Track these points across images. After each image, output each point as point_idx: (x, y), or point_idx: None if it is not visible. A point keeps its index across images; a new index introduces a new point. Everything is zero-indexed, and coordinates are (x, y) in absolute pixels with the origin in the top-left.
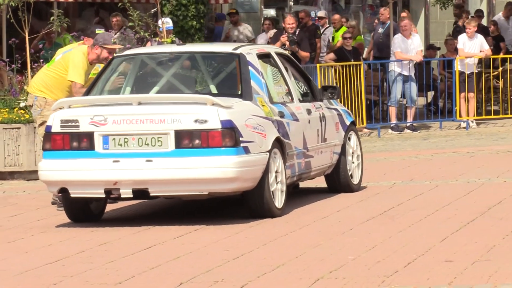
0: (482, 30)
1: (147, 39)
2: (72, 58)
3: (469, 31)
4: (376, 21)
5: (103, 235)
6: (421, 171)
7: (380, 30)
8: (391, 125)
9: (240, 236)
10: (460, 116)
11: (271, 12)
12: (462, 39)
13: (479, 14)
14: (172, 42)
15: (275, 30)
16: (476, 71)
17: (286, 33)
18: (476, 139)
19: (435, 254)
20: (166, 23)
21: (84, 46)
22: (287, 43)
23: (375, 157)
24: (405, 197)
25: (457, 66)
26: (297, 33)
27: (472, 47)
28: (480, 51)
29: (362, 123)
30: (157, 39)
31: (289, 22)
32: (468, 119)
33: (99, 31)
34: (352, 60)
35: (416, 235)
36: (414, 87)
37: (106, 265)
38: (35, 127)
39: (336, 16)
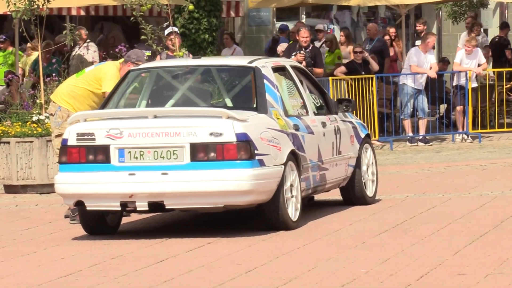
0: (503, 42)
1: (159, 53)
2: (106, 70)
3: (468, 49)
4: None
5: (116, 248)
6: (433, 184)
7: (368, 47)
8: (407, 138)
9: (252, 249)
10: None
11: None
12: (459, 55)
13: (504, 26)
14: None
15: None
16: (477, 84)
17: (302, 51)
18: (488, 152)
19: (448, 267)
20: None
21: (117, 62)
22: (304, 62)
23: (387, 170)
24: (418, 210)
25: (454, 82)
26: (310, 48)
27: (470, 63)
28: (478, 65)
29: (375, 136)
30: (166, 51)
31: (304, 35)
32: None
33: (147, 53)
34: (363, 73)
35: (429, 248)
36: (425, 99)
37: (119, 279)
38: (48, 141)
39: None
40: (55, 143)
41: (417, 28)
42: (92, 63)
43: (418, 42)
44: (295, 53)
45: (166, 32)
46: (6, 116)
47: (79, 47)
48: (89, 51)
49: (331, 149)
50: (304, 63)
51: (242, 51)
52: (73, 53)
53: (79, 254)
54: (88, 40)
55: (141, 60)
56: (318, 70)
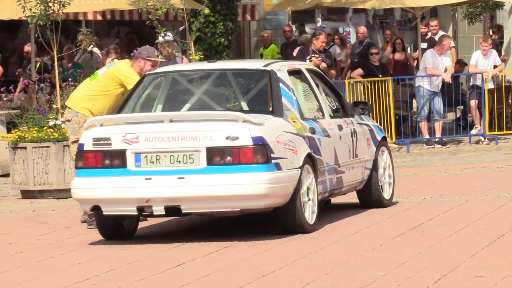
0: None
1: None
2: (120, 69)
3: (485, 49)
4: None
5: (133, 253)
6: (450, 186)
7: (357, 50)
8: (424, 140)
9: (269, 253)
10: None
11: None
12: (475, 56)
13: None
14: (200, 59)
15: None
16: (493, 86)
17: (317, 55)
18: (505, 154)
19: (466, 270)
20: (166, 35)
21: (127, 60)
22: (322, 64)
23: (404, 173)
24: (435, 212)
25: (470, 82)
26: (324, 52)
27: (486, 64)
28: (494, 67)
29: (391, 139)
30: (177, 54)
31: (323, 40)
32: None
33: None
34: (380, 76)
35: (446, 250)
36: (440, 101)
37: (136, 283)
38: (64, 146)
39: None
40: (72, 150)
41: (422, 30)
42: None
43: (423, 45)
44: (309, 57)
45: (161, 40)
46: (23, 121)
47: (83, 53)
48: (93, 56)
49: (347, 152)
50: (322, 65)
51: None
52: (75, 59)
53: (96, 259)
54: (91, 46)
55: (151, 56)
56: (333, 72)
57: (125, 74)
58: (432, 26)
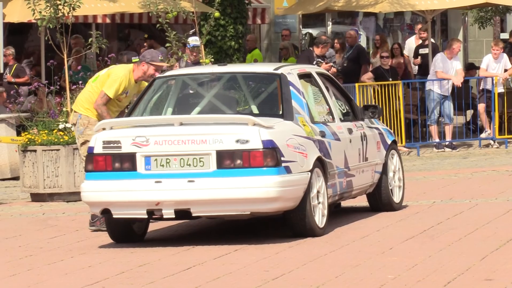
0: None
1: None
2: (113, 71)
3: (496, 52)
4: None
5: (143, 256)
6: (460, 190)
7: (347, 55)
8: (434, 143)
9: (279, 256)
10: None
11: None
12: (486, 60)
13: None
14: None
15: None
16: (503, 90)
17: (328, 60)
18: None
19: (475, 273)
20: (192, 40)
21: (130, 64)
22: (332, 69)
23: (414, 176)
24: (445, 216)
25: (481, 86)
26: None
27: (496, 68)
28: (505, 70)
29: (401, 142)
30: (185, 59)
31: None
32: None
33: (135, 59)
34: (390, 79)
35: (456, 254)
36: (451, 105)
37: (146, 286)
38: (74, 149)
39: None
40: (82, 151)
41: (421, 36)
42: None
43: (424, 50)
44: (315, 62)
45: (191, 44)
46: (33, 124)
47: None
48: (87, 59)
49: (357, 155)
50: (332, 69)
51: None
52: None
53: (106, 262)
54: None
55: (155, 60)
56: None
57: (111, 78)
58: (421, 34)
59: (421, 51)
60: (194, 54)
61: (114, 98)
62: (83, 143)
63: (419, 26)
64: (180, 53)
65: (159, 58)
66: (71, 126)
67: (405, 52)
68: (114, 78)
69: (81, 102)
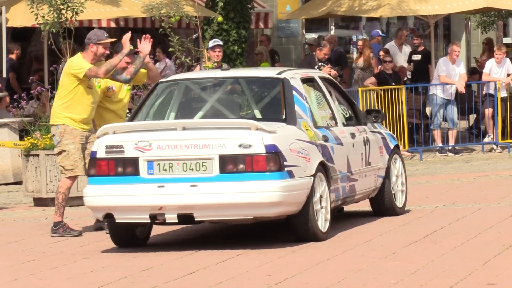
0: None
1: (195, 64)
2: (69, 64)
3: (499, 57)
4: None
5: (146, 260)
6: (463, 194)
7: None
8: (437, 148)
9: (282, 261)
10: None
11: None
12: (489, 64)
13: None
14: (221, 66)
15: None
16: (506, 94)
17: (327, 64)
18: None
19: (478, 278)
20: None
21: (78, 54)
22: (333, 72)
23: (417, 181)
24: (448, 220)
25: (484, 90)
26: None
27: (499, 73)
28: (508, 75)
29: (404, 147)
30: (210, 66)
31: (326, 52)
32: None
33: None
34: (393, 84)
35: (459, 258)
36: (454, 110)
37: None
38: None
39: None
40: (58, 161)
41: (414, 42)
42: None
43: (416, 57)
44: (317, 66)
45: (211, 44)
46: (35, 128)
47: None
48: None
49: (360, 160)
50: (333, 73)
51: (173, 66)
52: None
53: (109, 267)
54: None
55: (102, 38)
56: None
57: (73, 66)
58: (415, 41)
59: (414, 57)
60: (218, 50)
61: (82, 80)
62: (59, 153)
63: (403, 32)
64: (183, 58)
65: (105, 35)
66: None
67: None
68: (77, 62)
69: (55, 113)
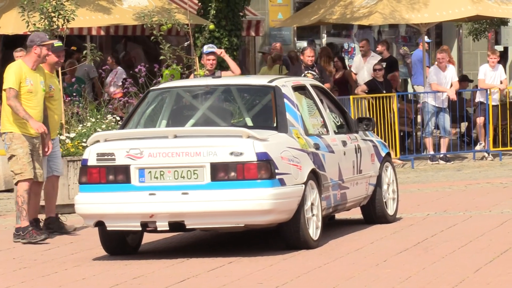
0: None
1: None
2: (5, 71)
3: (493, 61)
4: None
5: (137, 268)
6: (454, 202)
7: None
8: (429, 156)
9: (273, 269)
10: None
11: (304, 44)
12: (483, 69)
13: None
14: (214, 73)
15: None
16: (499, 103)
17: (310, 72)
18: (509, 170)
19: (469, 285)
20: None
21: (18, 60)
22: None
23: (408, 189)
24: (439, 228)
25: (476, 98)
26: (315, 66)
27: (493, 77)
28: (500, 82)
29: (396, 155)
30: (202, 73)
31: (310, 54)
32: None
33: (57, 44)
34: (384, 92)
35: (450, 266)
36: (447, 118)
37: None
38: (69, 161)
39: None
40: (10, 166)
41: (378, 49)
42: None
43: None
44: (303, 74)
45: (206, 50)
46: None
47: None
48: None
49: (351, 168)
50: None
51: (123, 72)
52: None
53: (100, 274)
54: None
55: (44, 40)
56: (326, 85)
57: (4, 76)
58: (360, 47)
59: (376, 66)
60: (213, 58)
61: (21, 87)
62: (9, 158)
63: (362, 43)
64: (175, 65)
65: (47, 37)
66: (68, 136)
67: (353, 69)
68: (6, 73)
69: (4, 120)
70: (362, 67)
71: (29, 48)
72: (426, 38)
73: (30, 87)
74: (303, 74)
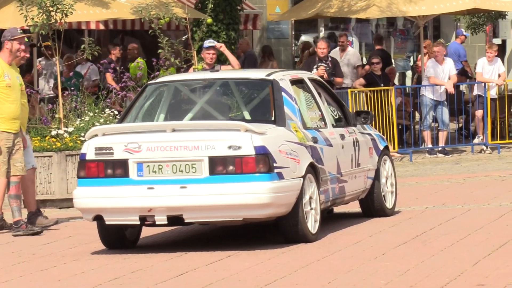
0: None
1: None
2: None
3: (490, 55)
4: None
5: (136, 262)
6: (453, 195)
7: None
8: (427, 149)
9: (272, 262)
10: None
11: (303, 38)
12: (481, 63)
13: None
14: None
15: None
16: (497, 96)
17: (322, 65)
18: (507, 163)
19: (468, 278)
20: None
21: None
22: (325, 75)
23: (407, 182)
24: (437, 221)
25: (475, 90)
26: (330, 59)
27: (491, 71)
28: (499, 75)
29: (394, 148)
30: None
31: (321, 47)
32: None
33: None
34: (382, 85)
35: (449, 259)
36: (445, 111)
37: None
38: (67, 155)
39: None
40: None
41: (339, 42)
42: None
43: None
44: (316, 66)
45: (206, 44)
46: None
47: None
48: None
49: (350, 161)
50: (325, 75)
51: (96, 69)
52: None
53: (99, 268)
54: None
55: (15, 34)
56: (339, 80)
57: None
58: (340, 41)
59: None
60: (213, 52)
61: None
62: None
63: (342, 38)
64: (173, 59)
65: (18, 31)
66: (66, 130)
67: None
68: None
69: None
70: (341, 60)
71: (2, 44)
72: (463, 32)
73: (8, 81)
74: (315, 67)
